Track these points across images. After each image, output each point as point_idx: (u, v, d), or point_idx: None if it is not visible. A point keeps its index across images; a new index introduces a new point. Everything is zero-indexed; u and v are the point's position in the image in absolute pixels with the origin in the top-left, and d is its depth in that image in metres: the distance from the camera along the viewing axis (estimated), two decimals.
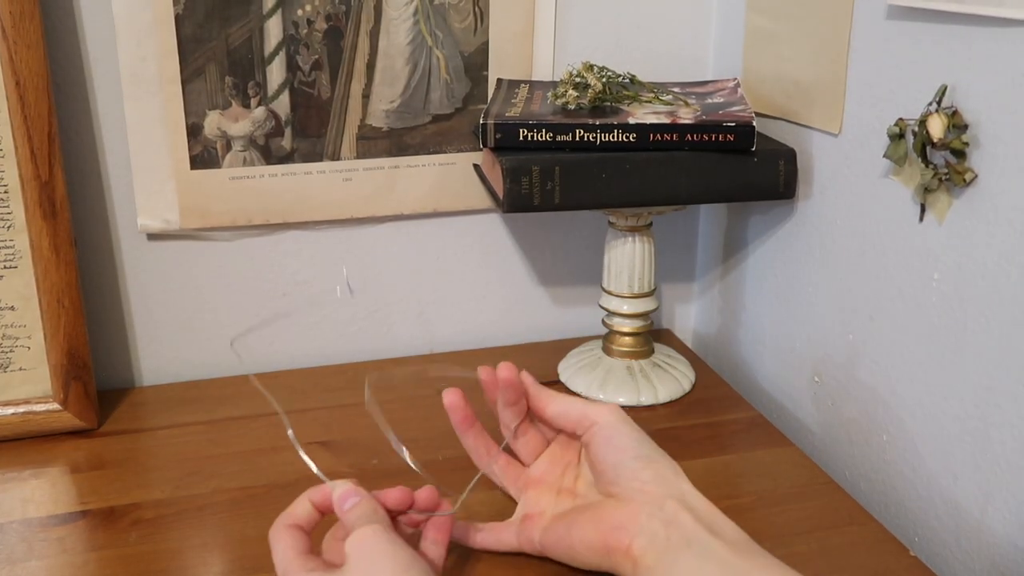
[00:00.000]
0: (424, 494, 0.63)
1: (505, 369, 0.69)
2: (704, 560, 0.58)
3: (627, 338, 0.96)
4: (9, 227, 0.84)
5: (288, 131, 0.94)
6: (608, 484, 0.64)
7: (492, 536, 0.70)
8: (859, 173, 0.81)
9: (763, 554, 0.59)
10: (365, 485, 0.79)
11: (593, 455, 0.65)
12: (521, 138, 0.84)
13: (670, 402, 0.93)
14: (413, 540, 0.63)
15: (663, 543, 0.59)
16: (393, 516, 0.62)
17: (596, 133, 0.84)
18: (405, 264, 1.03)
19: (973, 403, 0.71)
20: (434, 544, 0.62)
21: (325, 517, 0.63)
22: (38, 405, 0.86)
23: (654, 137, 0.84)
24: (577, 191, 0.84)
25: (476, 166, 0.98)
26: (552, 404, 0.69)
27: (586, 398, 0.70)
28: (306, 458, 0.62)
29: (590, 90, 0.87)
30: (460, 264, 1.04)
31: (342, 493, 0.60)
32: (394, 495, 0.62)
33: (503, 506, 0.77)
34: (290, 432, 0.64)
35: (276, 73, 0.92)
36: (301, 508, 0.61)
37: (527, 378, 0.71)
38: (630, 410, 0.91)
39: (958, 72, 0.69)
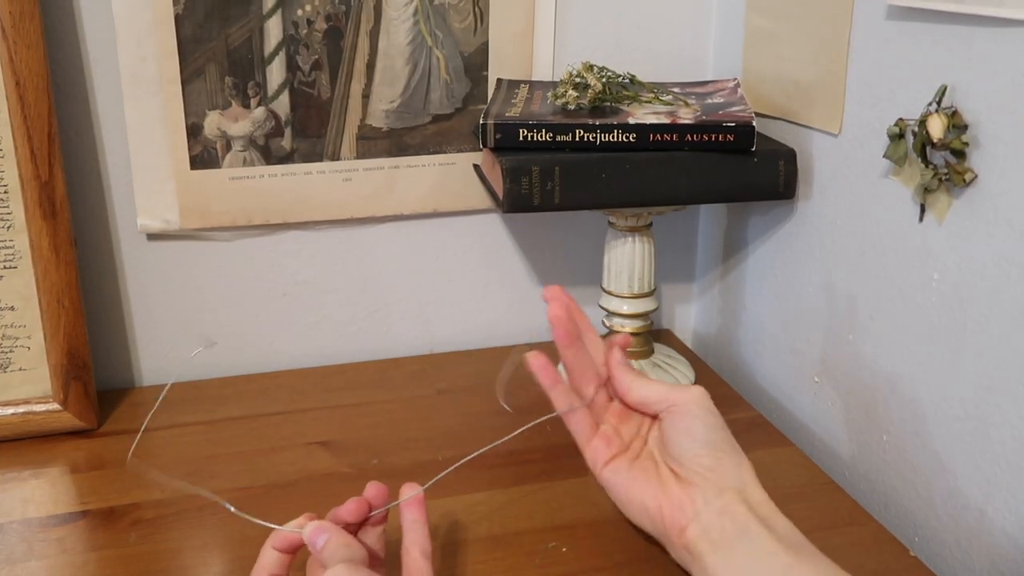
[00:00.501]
0: (372, 491, 0.63)
1: (552, 294, 0.68)
2: (755, 553, 0.58)
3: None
4: (9, 227, 0.84)
5: (288, 131, 0.94)
6: (672, 463, 0.63)
7: (578, 427, 0.67)
8: (859, 173, 0.81)
9: (815, 552, 0.59)
10: (365, 484, 0.79)
11: (664, 433, 0.64)
12: (521, 138, 0.84)
13: None
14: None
15: (717, 534, 0.59)
16: (360, 525, 0.62)
17: (596, 133, 0.84)
18: (405, 264, 1.03)
19: (973, 403, 0.71)
20: (415, 524, 0.61)
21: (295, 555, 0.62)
22: (38, 405, 0.86)
23: (654, 137, 0.84)
24: (577, 191, 0.84)
25: (476, 166, 0.98)
26: (635, 390, 0.66)
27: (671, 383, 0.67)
28: (258, 521, 0.62)
29: (590, 90, 0.87)
30: (460, 264, 1.04)
31: (311, 532, 0.59)
32: (349, 508, 0.61)
33: (498, 505, 0.77)
34: (232, 508, 0.64)
35: (276, 73, 0.92)
36: (268, 558, 0.61)
37: (615, 358, 0.68)
38: None
39: (958, 72, 0.69)
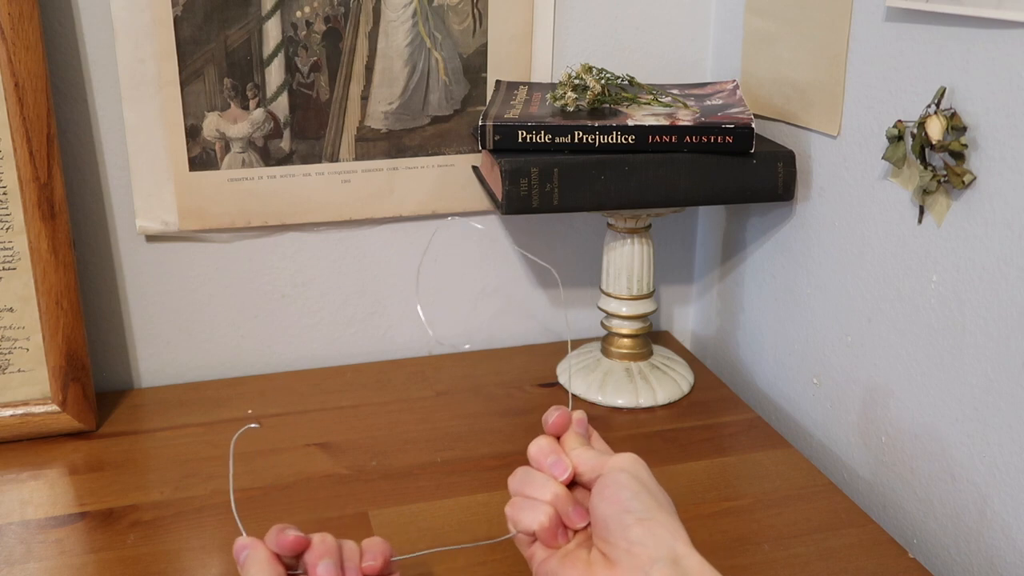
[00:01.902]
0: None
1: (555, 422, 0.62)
2: None
3: (626, 340, 0.96)
4: (8, 228, 0.84)
5: (287, 133, 0.94)
6: (600, 541, 0.57)
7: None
8: (858, 175, 0.81)
9: None
10: (364, 486, 0.80)
11: (592, 506, 0.58)
12: (520, 140, 0.84)
13: (669, 404, 0.93)
14: None
15: None
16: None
17: (595, 135, 0.84)
18: (404, 266, 1.03)
19: (972, 405, 0.71)
20: None
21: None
22: (37, 407, 0.86)
23: (653, 139, 0.84)
24: (576, 193, 0.84)
25: (475, 168, 0.98)
26: (573, 453, 0.61)
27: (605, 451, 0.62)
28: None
29: (589, 92, 0.87)
30: (459, 266, 1.04)
31: (236, 546, 0.58)
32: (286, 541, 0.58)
33: (498, 506, 0.77)
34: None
35: (275, 75, 0.92)
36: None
37: (575, 418, 0.64)
38: (628, 412, 0.91)
39: (957, 74, 0.69)
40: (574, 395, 0.94)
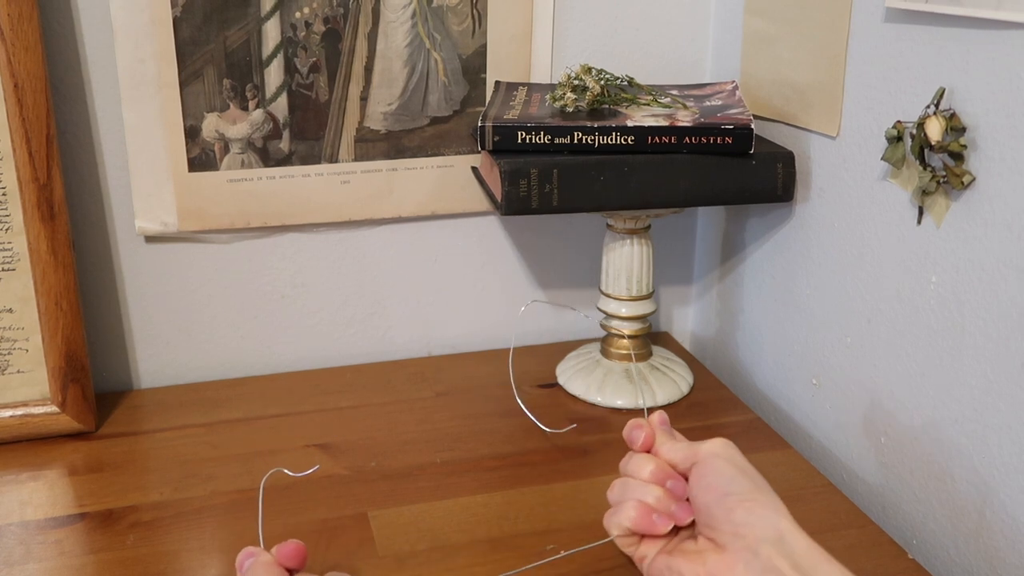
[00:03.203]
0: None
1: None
2: None
3: (625, 340, 0.96)
4: (7, 229, 0.84)
5: (286, 133, 0.94)
6: (706, 528, 0.58)
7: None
8: (857, 176, 0.81)
9: None
10: (363, 486, 0.80)
11: (693, 496, 0.59)
12: (519, 140, 0.84)
13: (668, 405, 0.93)
14: None
15: None
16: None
17: (594, 135, 0.84)
18: (403, 267, 1.03)
19: (971, 406, 0.71)
20: None
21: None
22: (36, 408, 0.86)
23: (652, 139, 0.84)
24: (575, 194, 0.84)
25: (474, 168, 0.98)
26: (663, 450, 0.63)
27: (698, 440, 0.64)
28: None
29: (588, 92, 0.87)
30: (458, 267, 1.04)
31: (241, 555, 0.59)
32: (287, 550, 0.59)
33: (497, 507, 0.77)
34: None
35: (274, 75, 0.92)
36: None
37: (656, 420, 0.66)
38: (628, 413, 0.91)
39: (956, 74, 0.69)
40: (574, 395, 0.94)
